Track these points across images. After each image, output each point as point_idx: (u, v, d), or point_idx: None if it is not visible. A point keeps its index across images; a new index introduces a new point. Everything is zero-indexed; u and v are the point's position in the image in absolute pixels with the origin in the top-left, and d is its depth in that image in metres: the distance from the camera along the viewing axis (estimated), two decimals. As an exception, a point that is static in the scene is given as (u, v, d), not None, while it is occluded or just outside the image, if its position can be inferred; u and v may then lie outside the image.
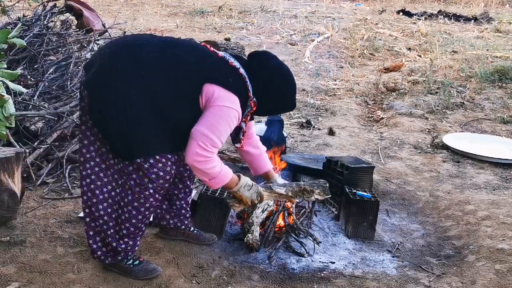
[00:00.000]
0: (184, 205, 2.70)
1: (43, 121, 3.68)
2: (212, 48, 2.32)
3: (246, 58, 2.41)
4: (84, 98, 2.20)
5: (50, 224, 2.84)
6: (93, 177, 2.29)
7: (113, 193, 2.30)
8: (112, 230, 2.34)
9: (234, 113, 2.20)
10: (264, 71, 2.32)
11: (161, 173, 2.24)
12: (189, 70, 2.19)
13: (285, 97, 2.39)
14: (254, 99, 2.31)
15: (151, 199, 2.30)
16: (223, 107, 2.17)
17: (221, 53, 2.30)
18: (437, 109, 5.54)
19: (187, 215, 2.73)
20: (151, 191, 2.26)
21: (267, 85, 2.31)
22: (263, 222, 2.81)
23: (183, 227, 2.73)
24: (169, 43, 2.26)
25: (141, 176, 2.23)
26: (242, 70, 2.29)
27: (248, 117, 2.35)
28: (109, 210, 2.32)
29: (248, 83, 2.28)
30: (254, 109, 2.34)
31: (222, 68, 2.25)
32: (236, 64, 2.29)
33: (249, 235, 2.66)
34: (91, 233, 2.36)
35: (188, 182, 2.64)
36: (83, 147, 2.28)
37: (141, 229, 2.38)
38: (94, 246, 2.38)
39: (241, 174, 2.44)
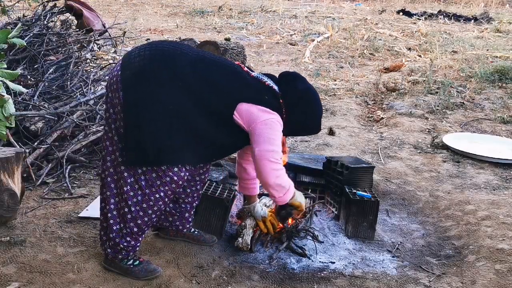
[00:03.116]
0: (188, 209, 2.70)
1: (43, 121, 3.68)
2: (245, 68, 2.35)
3: (277, 77, 2.44)
4: (115, 98, 2.21)
5: (50, 224, 2.84)
6: (106, 172, 2.34)
7: (120, 190, 2.30)
8: (117, 226, 2.36)
9: (278, 121, 2.28)
10: (291, 93, 2.35)
11: (175, 178, 2.26)
12: (220, 88, 2.22)
13: (309, 120, 2.44)
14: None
15: (160, 202, 2.31)
16: (267, 120, 2.25)
17: (253, 73, 2.35)
18: (437, 109, 5.54)
19: (190, 219, 2.73)
20: (162, 194, 2.28)
21: (293, 107, 2.35)
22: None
23: (184, 230, 2.73)
24: (202, 58, 2.27)
25: (154, 178, 2.25)
26: (276, 88, 2.33)
27: None
28: (117, 206, 2.34)
29: (282, 100, 2.33)
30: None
31: (256, 87, 2.30)
32: (270, 82, 2.34)
33: (239, 238, 2.66)
34: (104, 224, 2.40)
35: (198, 187, 2.64)
36: (105, 141, 2.32)
37: (143, 230, 2.39)
38: (104, 238, 2.42)
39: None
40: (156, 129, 2.17)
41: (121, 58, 2.36)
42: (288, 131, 2.44)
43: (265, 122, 2.24)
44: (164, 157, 2.21)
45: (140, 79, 2.17)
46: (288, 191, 2.40)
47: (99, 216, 2.46)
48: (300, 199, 2.56)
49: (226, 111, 2.24)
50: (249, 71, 2.36)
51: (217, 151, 2.41)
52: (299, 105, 2.36)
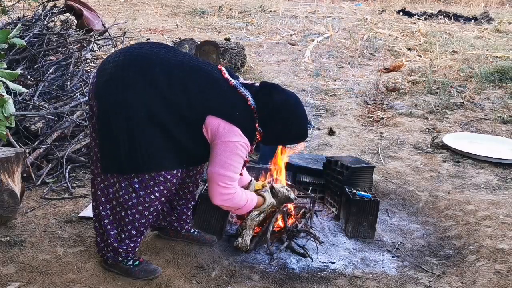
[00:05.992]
0: (185, 210, 2.69)
1: (43, 121, 3.68)
2: (226, 75, 2.29)
3: (257, 85, 2.38)
4: (94, 106, 2.20)
5: (50, 224, 2.84)
6: (98, 178, 2.32)
7: (116, 195, 2.29)
8: (114, 231, 2.35)
9: (242, 145, 2.22)
10: (267, 107, 2.29)
11: (169, 176, 2.24)
12: (193, 97, 2.17)
13: (289, 131, 2.38)
14: (260, 129, 2.31)
15: (156, 203, 2.30)
16: (229, 142, 2.18)
17: (232, 81, 2.28)
18: (437, 109, 5.54)
19: (188, 220, 2.72)
20: (157, 194, 2.26)
21: (271, 119, 2.30)
22: (261, 224, 2.81)
23: (183, 231, 2.73)
24: (179, 64, 2.21)
25: (147, 179, 2.23)
26: (251, 101, 2.27)
27: (253, 147, 2.34)
28: (112, 211, 2.33)
29: (256, 114, 2.28)
30: (259, 139, 2.34)
31: (229, 99, 2.23)
32: (247, 93, 2.27)
33: (239, 238, 2.66)
34: (100, 231, 2.39)
35: (191, 189, 2.63)
36: (94, 148, 2.31)
37: (142, 232, 2.38)
38: (101, 244, 2.41)
39: (265, 195, 2.56)
40: (128, 136, 2.13)
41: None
42: (268, 142, 2.42)
43: (226, 144, 2.18)
44: (137, 165, 2.18)
45: (111, 86, 2.14)
46: (241, 209, 2.38)
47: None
48: (268, 201, 2.55)
49: (197, 122, 2.19)
50: (229, 78, 2.28)
51: (193, 159, 2.35)
52: (275, 118, 2.30)
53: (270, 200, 2.59)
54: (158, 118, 2.13)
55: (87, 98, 4.02)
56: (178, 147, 2.21)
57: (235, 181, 2.26)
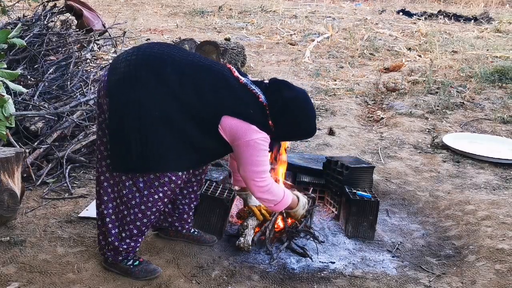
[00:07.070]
0: (186, 210, 2.69)
1: (43, 121, 3.68)
2: (236, 74, 2.30)
3: (267, 82, 2.38)
4: (104, 104, 2.20)
5: (50, 224, 2.84)
6: (102, 177, 2.32)
7: (120, 194, 2.29)
8: (115, 230, 2.35)
9: (263, 140, 2.25)
10: (277, 103, 2.30)
11: (174, 178, 2.25)
12: (206, 97, 2.18)
13: (299, 128, 2.39)
14: (272, 126, 2.32)
15: (159, 203, 2.30)
16: (251, 141, 2.21)
17: (243, 79, 2.29)
18: (437, 109, 5.54)
19: (189, 220, 2.72)
20: (161, 194, 2.27)
21: (281, 115, 2.31)
22: (261, 224, 2.81)
23: (183, 231, 2.73)
24: (190, 64, 2.22)
25: (152, 179, 2.23)
26: (262, 98, 2.28)
27: None
28: (115, 210, 2.33)
29: (268, 110, 2.29)
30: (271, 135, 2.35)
31: (241, 97, 2.24)
32: (257, 91, 2.29)
33: (241, 238, 2.66)
34: (102, 229, 2.39)
35: (195, 188, 2.63)
36: (100, 146, 2.31)
37: (143, 232, 2.38)
38: (103, 242, 2.41)
39: (299, 195, 2.62)
40: (140, 135, 2.13)
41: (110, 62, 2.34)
42: (279, 138, 2.43)
43: (247, 143, 2.21)
44: (148, 164, 2.18)
45: (124, 85, 2.14)
46: (280, 202, 2.40)
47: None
48: (300, 211, 2.60)
49: (211, 122, 2.20)
50: (239, 76, 2.29)
51: (205, 158, 2.38)
52: (285, 114, 2.31)
53: (303, 199, 2.61)
54: (170, 118, 2.14)
55: (87, 98, 4.02)
56: (188, 146, 2.22)
57: (267, 173, 2.32)
